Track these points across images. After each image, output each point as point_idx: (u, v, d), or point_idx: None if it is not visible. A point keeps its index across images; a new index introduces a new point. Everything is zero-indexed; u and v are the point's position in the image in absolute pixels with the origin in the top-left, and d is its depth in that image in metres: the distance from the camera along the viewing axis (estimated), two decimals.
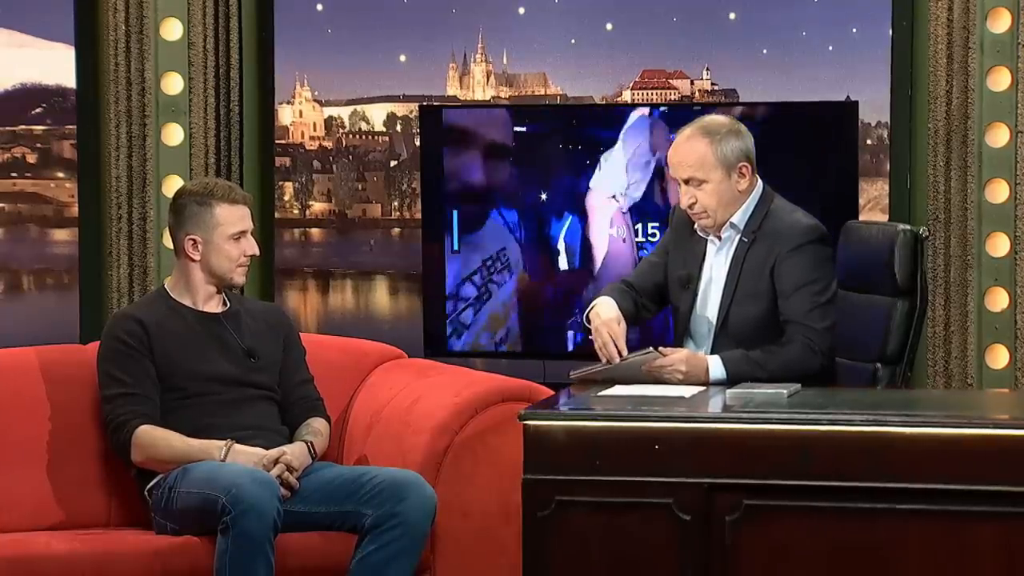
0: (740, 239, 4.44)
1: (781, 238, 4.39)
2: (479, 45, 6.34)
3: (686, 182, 4.42)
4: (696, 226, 4.49)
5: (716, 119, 4.48)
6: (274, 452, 4.50)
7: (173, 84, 6.20)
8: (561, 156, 5.87)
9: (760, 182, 4.48)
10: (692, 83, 6.19)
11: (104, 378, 4.61)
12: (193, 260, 4.64)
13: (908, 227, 4.63)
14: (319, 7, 6.36)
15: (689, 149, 4.41)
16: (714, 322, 4.46)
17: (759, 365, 4.29)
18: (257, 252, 4.70)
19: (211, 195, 4.62)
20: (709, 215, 4.43)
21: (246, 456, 4.48)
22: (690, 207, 4.43)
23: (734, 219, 4.44)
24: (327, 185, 6.46)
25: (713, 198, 4.41)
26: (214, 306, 4.71)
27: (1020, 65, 5.76)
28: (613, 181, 5.83)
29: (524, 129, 5.92)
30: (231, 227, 4.62)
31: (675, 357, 4.33)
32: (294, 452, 4.54)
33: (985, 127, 5.80)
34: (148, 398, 4.57)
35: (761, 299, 4.41)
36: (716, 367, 4.32)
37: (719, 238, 4.47)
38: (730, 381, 4.26)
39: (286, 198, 6.44)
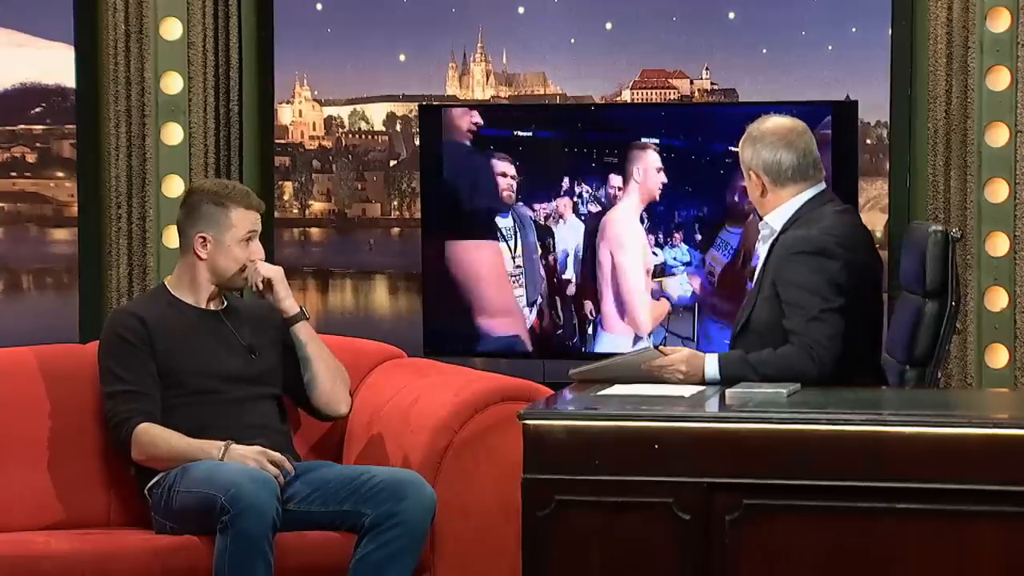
0: (772, 241, 4.48)
1: (784, 247, 4.41)
2: (479, 44, 6.34)
3: None
4: None
5: (764, 122, 4.52)
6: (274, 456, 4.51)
7: (173, 84, 6.19)
8: (561, 155, 5.86)
9: (814, 189, 4.48)
10: (692, 83, 6.19)
11: (105, 374, 4.62)
12: (200, 258, 4.65)
13: (939, 227, 4.59)
14: (319, 6, 6.36)
15: None
16: (743, 318, 4.49)
17: (753, 368, 4.28)
18: (262, 257, 4.72)
19: (228, 197, 4.66)
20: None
21: (243, 455, 4.47)
22: None
23: (771, 221, 4.48)
24: (327, 185, 6.46)
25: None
26: (215, 304, 4.72)
27: (1020, 64, 5.76)
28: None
29: (523, 128, 5.91)
30: (242, 230, 4.65)
31: (675, 357, 4.33)
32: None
33: (985, 127, 5.80)
34: (148, 395, 4.57)
35: (771, 302, 4.41)
36: (711, 366, 4.32)
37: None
38: (724, 381, 4.27)
39: (286, 198, 6.45)
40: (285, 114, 6.44)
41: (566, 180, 5.84)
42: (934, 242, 4.54)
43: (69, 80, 6.32)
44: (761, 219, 4.54)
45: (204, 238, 4.64)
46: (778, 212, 4.48)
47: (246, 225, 4.66)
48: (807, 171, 4.48)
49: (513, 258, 5.88)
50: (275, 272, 4.70)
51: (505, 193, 5.86)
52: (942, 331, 4.52)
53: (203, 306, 4.70)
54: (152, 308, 4.68)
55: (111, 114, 6.19)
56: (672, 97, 6.16)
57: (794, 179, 4.47)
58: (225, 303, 4.75)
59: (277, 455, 4.48)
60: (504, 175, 5.85)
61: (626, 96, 6.20)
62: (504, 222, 5.86)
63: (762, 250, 4.53)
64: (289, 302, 4.72)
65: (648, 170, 5.75)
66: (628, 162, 5.76)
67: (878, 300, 4.54)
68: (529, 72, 6.35)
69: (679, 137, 5.71)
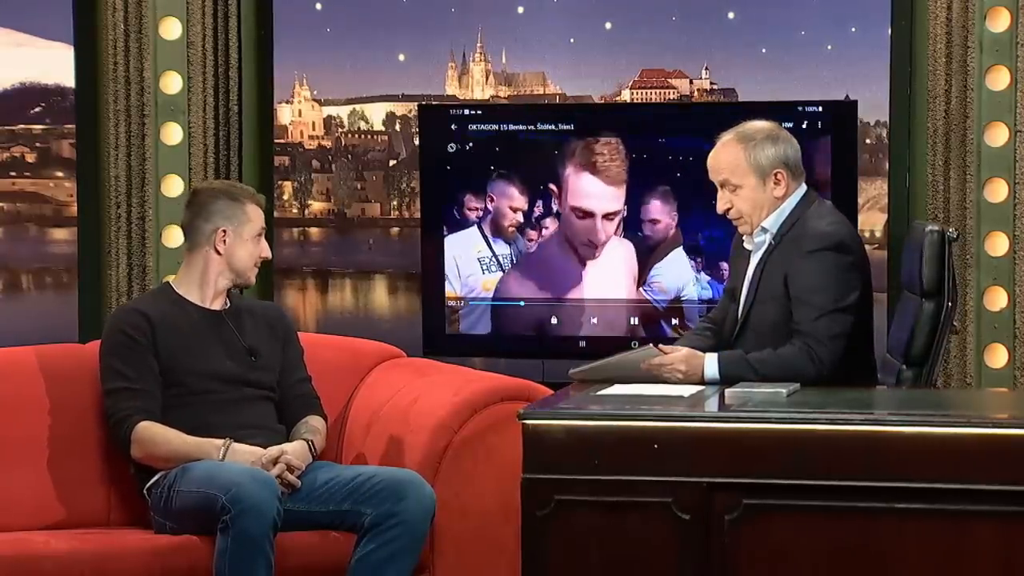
0: (770, 242, 4.46)
1: (797, 243, 4.40)
2: (478, 44, 6.34)
3: (722, 186, 4.48)
4: (741, 234, 4.53)
5: (755, 125, 4.50)
6: (274, 450, 4.51)
7: (172, 83, 6.19)
8: (560, 155, 5.86)
9: (803, 187, 4.49)
10: (691, 82, 6.19)
11: (107, 371, 4.62)
12: (218, 253, 4.67)
13: (935, 227, 4.58)
14: (318, 6, 6.36)
15: (724, 154, 4.47)
16: (739, 321, 4.48)
17: (752, 368, 4.29)
18: (270, 256, 4.78)
19: (242, 192, 4.74)
20: (745, 220, 4.49)
21: (244, 455, 4.48)
22: (726, 212, 4.48)
23: (766, 223, 4.45)
24: (326, 184, 6.46)
25: (747, 203, 4.46)
26: (218, 304, 4.73)
27: (1019, 64, 5.76)
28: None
29: (523, 128, 5.91)
30: (257, 225, 4.71)
31: (675, 356, 4.34)
32: (294, 451, 4.54)
33: (984, 126, 5.80)
34: (150, 393, 4.58)
35: (778, 302, 4.41)
36: (711, 366, 4.32)
37: (752, 242, 4.50)
38: (724, 381, 4.27)
39: (285, 197, 6.44)
40: (285, 114, 6.44)
41: (565, 178, 5.84)
42: (930, 242, 4.54)
43: (69, 80, 6.32)
44: (754, 228, 4.48)
45: (224, 231, 4.67)
46: (775, 215, 4.46)
47: (259, 220, 4.73)
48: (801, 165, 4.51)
49: (514, 256, 5.89)
50: (295, 455, 4.57)
51: (510, 228, 5.86)
52: (938, 331, 4.52)
53: (207, 305, 4.71)
54: (157, 306, 4.69)
55: (110, 114, 6.19)
56: (671, 97, 6.16)
57: (800, 171, 4.49)
58: (229, 303, 4.76)
59: (274, 451, 4.49)
60: (515, 210, 5.86)
61: (625, 96, 6.20)
62: (505, 220, 5.86)
63: (758, 255, 4.50)
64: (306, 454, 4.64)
65: None
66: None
67: (871, 296, 4.55)
68: (528, 72, 6.34)
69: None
